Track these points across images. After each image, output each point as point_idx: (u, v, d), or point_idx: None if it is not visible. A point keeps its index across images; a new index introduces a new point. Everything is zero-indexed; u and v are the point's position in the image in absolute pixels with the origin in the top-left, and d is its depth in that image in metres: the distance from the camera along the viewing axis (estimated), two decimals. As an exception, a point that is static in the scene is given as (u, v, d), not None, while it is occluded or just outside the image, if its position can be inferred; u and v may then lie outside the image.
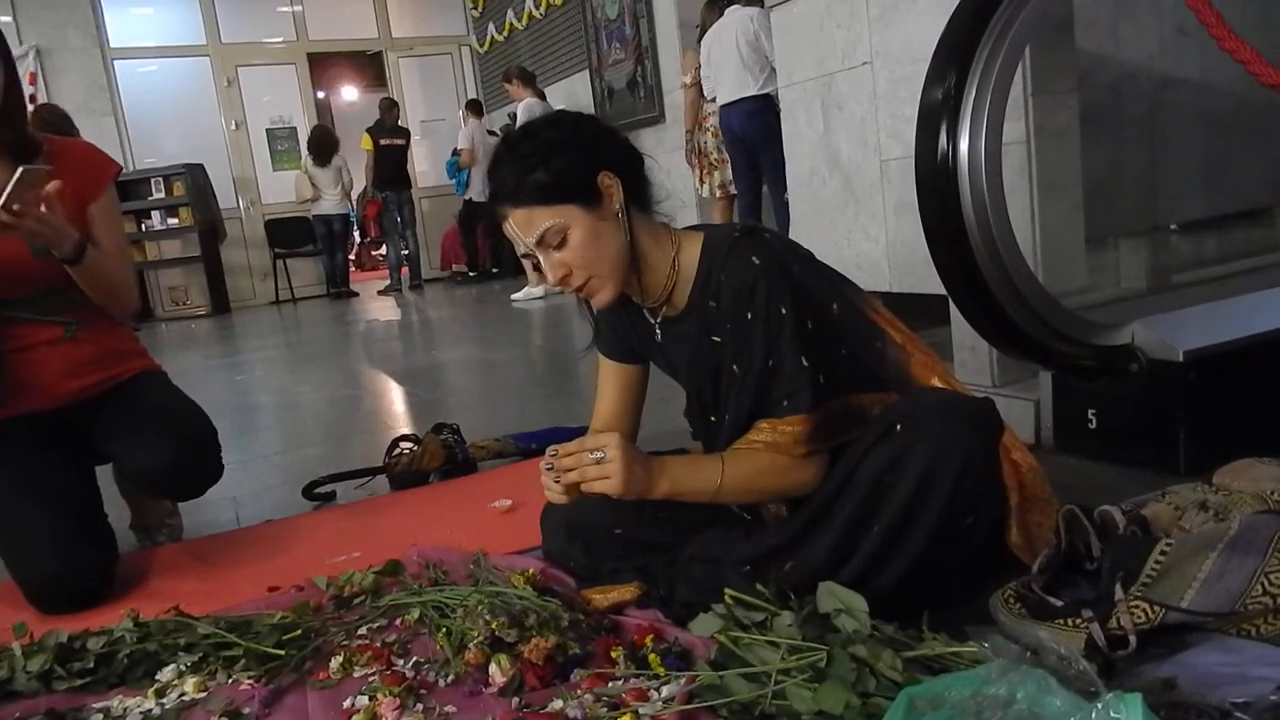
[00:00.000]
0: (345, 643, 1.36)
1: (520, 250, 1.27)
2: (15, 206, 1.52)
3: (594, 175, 1.24)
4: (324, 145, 8.33)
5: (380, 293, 8.60)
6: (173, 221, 8.21)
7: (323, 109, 11.41)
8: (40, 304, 1.75)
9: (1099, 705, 0.72)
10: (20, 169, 1.53)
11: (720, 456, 1.25)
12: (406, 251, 8.61)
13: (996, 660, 0.85)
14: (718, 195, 5.55)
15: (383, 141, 8.21)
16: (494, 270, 8.60)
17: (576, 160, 1.23)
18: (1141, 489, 1.49)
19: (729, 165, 5.42)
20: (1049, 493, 1.31)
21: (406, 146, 8.47)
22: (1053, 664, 0.90)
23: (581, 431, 2.24)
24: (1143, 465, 1.72)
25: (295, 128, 9.40)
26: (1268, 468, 1.32)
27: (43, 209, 1.57)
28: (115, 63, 8.56)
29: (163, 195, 8.12)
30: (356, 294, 8.73)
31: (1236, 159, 2.56)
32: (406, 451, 2.29)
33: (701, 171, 5.63)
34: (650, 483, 1.21)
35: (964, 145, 1.62)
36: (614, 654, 1.19)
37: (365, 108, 9.89)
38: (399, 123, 8.60)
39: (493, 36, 9.37)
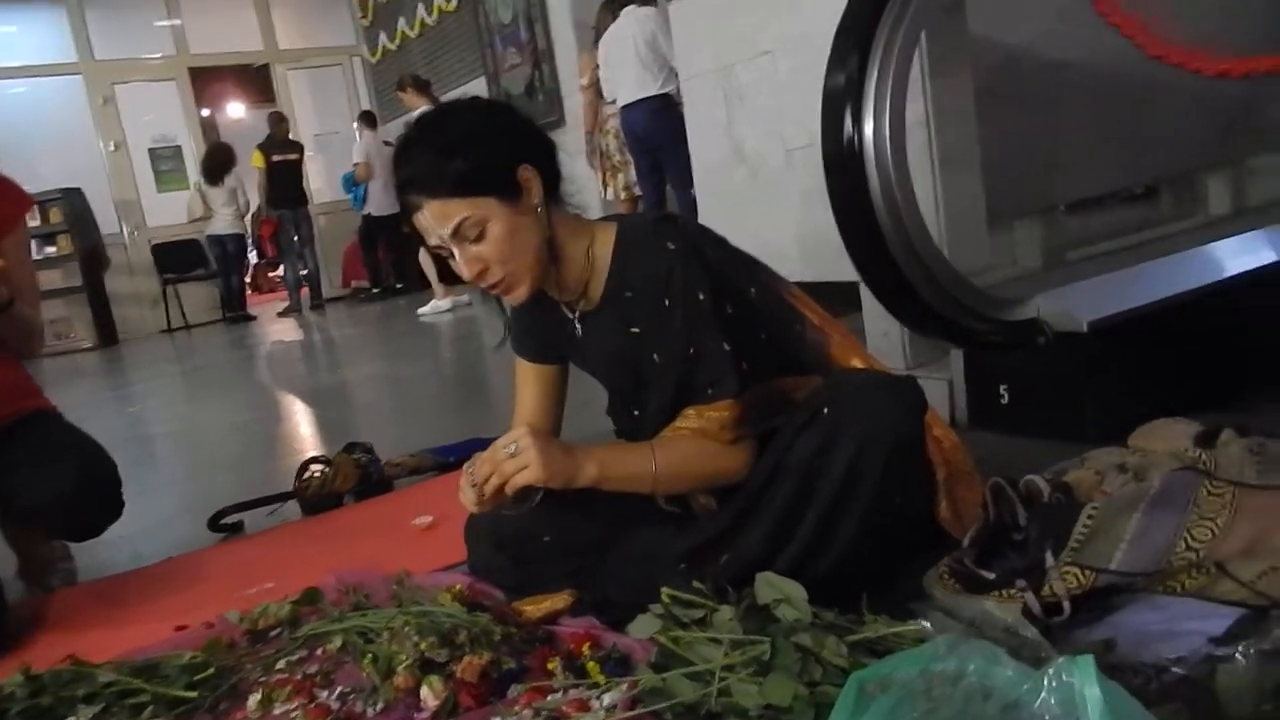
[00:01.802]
0: (263, 679, 1.28)
1: (433, 242, 1.21)
2: None
3: (515, 168, 1.19)
4: (218, 163, 7.99)
5: (280, 314, 8.30)
6: (50, 250, 7.76)
7: (208, 126, 10.98)
8: None
9: (1050, 671, 0.71)
10: None
11: (649, 444, 1.22)
12: (305, 271, 8.34)
13: (942, 636, 0.84)
14: (623, 197, 5.54)
15: (275, 158, 7.92)
16: (398, 286, 8.40)
17: (498, 151, 1.19)
18: (1056, 459, 1.52)
19: (632, 167, 5.41)
20: (971, 467, 1.33)
21: (300, 161, 8.20)
22: (996, 636, 0.90)
23: (501, 440, 2.21)
24: (1055, 436, 1.76)
25: (179, 146, 9.04)
26: (1181, 425, 1.36)
27: None
28: (-22, 85, 8.09)
29: (38, 223, 7.66)
30: (254, 317, 8.40)
31: (1124, 137, 2.66)
32: (317, 474, 2.19)
33: (605, 174, 5.60)
34: (574, 465, 1.17)
35: (869, 128, 1.63)
36: (551, 665, 1.15)
37: (254, 123, 9.56)
38: (290, 136, 8.33)
39: (385, 45, 9.17)
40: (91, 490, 1.69)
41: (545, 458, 1.14)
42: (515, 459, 1.15)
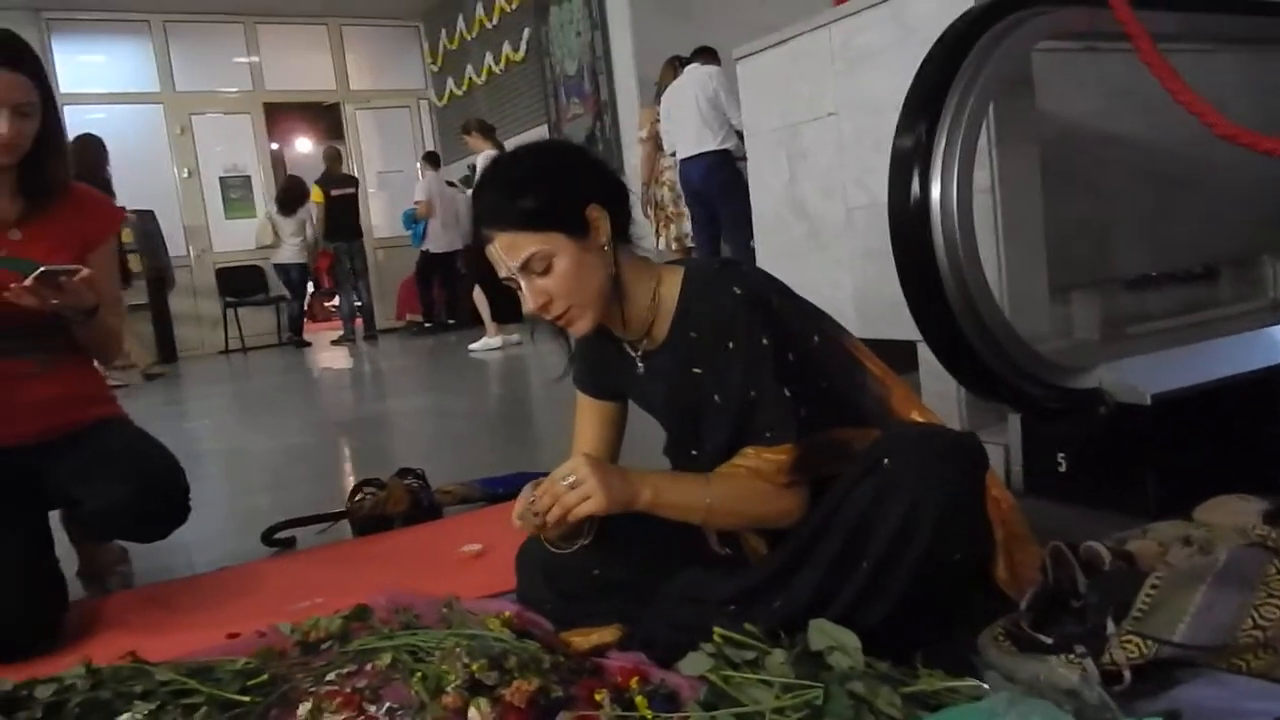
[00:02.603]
0: (313, 689, 1.29)
1: (502, 274, 1.25)
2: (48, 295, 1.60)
3: (582, 207, 1.23)
4: (294, 195, 8.33)
5: (334, 342, 8.49)
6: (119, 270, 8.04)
7: (277, 159, 11.36)
8: (14, 338, 1.71)
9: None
10: (41, 269, 1.58)
11: (705, 475, 1.23)
12: (360, 303, 8.53)
13: (1002, 693, 0.84)
14: (674, 248, 5.62)
15: (333, 192, 8.19)
16: (450, 321, 8.55)
17: (566, 190, 1.23)
18: (1112, 530, 1.49)
19: (684, 218, 5.51)
20: (1028, 530, 1.32)
21: (356, 195, 8.45)
22: (1056, 698, 0.89)
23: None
24: (1112, 507, 1.74)
25: (249, 176, 9.35)
26: (1246, 503, 1.34)
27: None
28: (64, 108, 8.44)
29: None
30: (309, 344, 8.59)
31: (1183, 216, 2.65)
32: (370, 496, 2.23)
33: (659, 224, 5.69)
34: (632, 490, 1.19)
35: (935, 192, 1.65)
36: (598, 696, 1.15)
37: (320, 159, 9.86)
38: (344, 171, 8.60)
39: (451, 91, 9.45)
40: (161, 494, 1.74)
41: (606, 486, 1.16)
42: (576, 490, 1.16)
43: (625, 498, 1.18)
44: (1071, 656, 1.06)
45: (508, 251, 1.22)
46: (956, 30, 1.74)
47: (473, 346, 6.41)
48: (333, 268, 8.69)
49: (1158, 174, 2.55)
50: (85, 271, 1.63)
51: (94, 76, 8.78)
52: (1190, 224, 2.61)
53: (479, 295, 6.30)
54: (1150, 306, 2.69)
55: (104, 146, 5.60)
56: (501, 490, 2.33)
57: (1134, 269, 2.60)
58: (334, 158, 8.50)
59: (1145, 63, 1.74)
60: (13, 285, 1.57)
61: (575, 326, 1.27)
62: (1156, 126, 2.48)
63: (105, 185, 6.49)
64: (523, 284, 1.24)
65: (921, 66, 1.78)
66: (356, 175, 8.86)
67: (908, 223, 1.68)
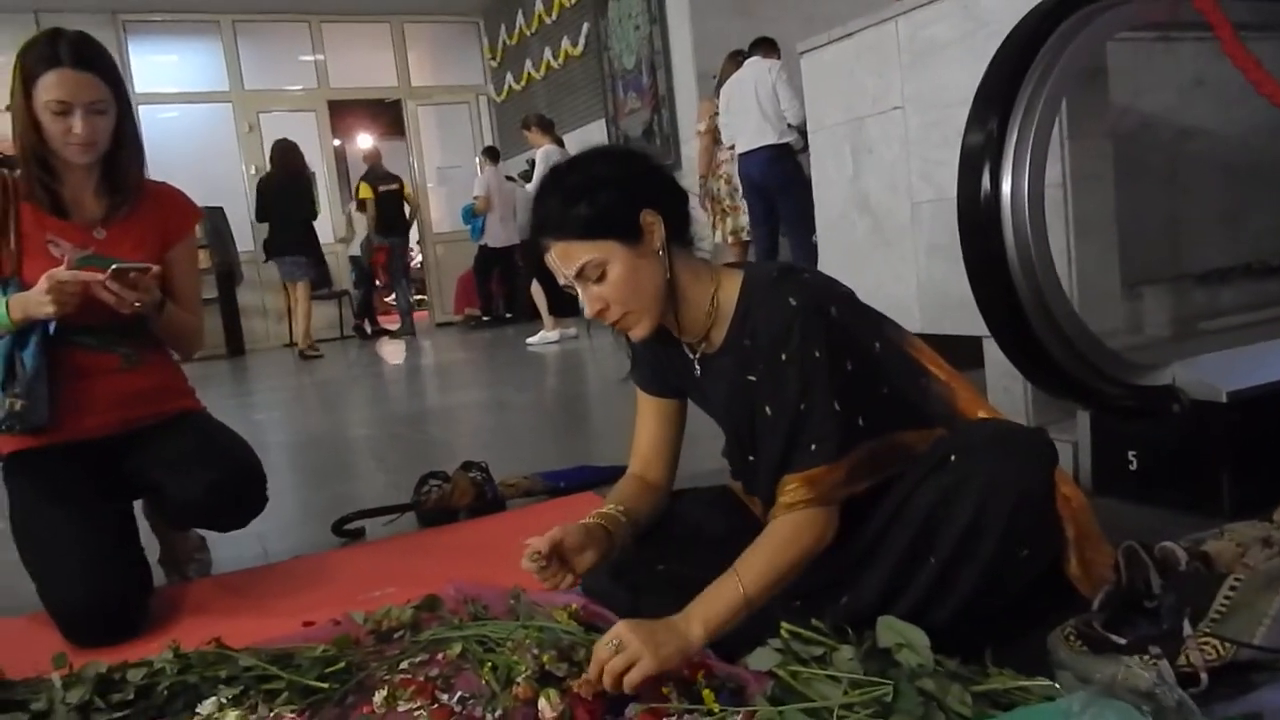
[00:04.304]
0: (387, 677, 1.33)
1: (561, 281, 1.28)
2: (115, 288, 1.65)
3: (637, 212, 1.25)
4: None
5: (392, 336, 8.66)
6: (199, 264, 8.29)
7: (339, 156, 11.59)
8: (103, 333, 1.78)
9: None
10: (113, 267, 1.64)
11: (732, 569, 1.19)
12: (422, 297, 8.72)
13: (1076, 693, 0.83)
14: (730, 241, 5.62)
15: (381, 188, 8.34)
16: (508, 315, 8.65)
17: (621, 197, 1.24)
18: (1185, 530, 1.46)
19: (740, 212, 5.50)
20: (1098, 529, 1.30)
21: (401, 190, 8.60)
22: (1131, 699, 0.88)
23: (612, 470, 2.26)
24: (1185, 507, 1.70)
25: (314, 172, 9.53)
26: (1329, 505, 1.31)
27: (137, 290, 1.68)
28: (139, 108, 8.71)
29: (182, 237, 8.21)
30: (370, 334, 8.82)
31: (1259, 209, 2.57)
32: (435, 488, 2.28)
33: (715, 218, 5.68)
34: (681, 638, 1.14)
35: (1006, 187, 1.63)
36: (665, 690, 1.17)
37: (383, 154, 10.03)
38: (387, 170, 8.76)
39: (510, 86, 9.53)
40: (240, 483, 1.80)
41: (653, 645, 1.11)
42: (623, 655, 1.11)
43: (676, 647, 1.13)
44: (1146, 658, 1.05)
45: (563, 260, 1.24)
46: (1030, 24, 1.71)
47: (530, 340, 6.48)
48: (389, 262, 8.86)
49: (1232, 166, 2.48)
50: (155, 269, 1.70)
51: (167, 76, 9.04)
52: (1266, 217, 2.53)
53: (537, 289, 6.35)
54: (1224, 302, 2.61)
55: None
56: (563, 484, 2.36)
57: (1207, 263, 2.53)
58: (376, 156, 8.70)
59: (1228, 53, 1.70)
60: (95, 280, 1.63)
61: (633, 332, 1.29)
62: (1231, 117, 2.41)
63: (308, 182, 7.27)
64: (579, 290, 1.26)
65: (993, 60, 1.76)
66: (397, 174, 9.04)
67: (978, 218, 1.66)
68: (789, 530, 1.21)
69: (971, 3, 2.15)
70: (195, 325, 1.93)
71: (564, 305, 6.33)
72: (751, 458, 1.34)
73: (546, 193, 1.28)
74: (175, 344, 1.92)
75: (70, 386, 1.75)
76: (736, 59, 5.29)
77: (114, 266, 1.64)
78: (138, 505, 1.93)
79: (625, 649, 1.12)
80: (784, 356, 1.21)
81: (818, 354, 1.20)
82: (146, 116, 8.74)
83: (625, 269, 1.23)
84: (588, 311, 1.27)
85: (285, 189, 7.23)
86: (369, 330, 8.91)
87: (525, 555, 1.28)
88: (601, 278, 1.24)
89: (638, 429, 1.50)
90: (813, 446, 1.20)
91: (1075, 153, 1.97)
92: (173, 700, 1.31)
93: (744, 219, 5.48)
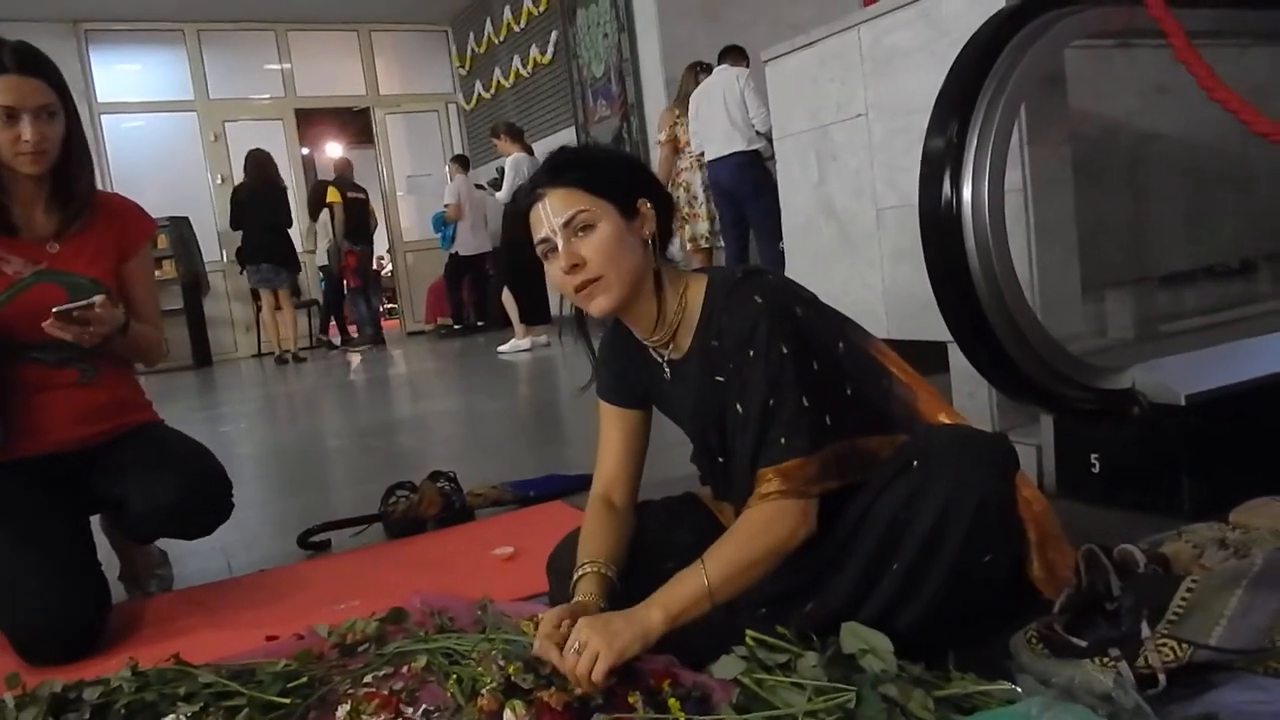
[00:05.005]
0: (351, 691, 1.32)
1: (540, 236, 1.25)
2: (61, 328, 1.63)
3: (636, 196, 1.27)
4: (316, 199, 8.51)
5: (352, 346, 8.62)
6: (155, 274, 8.18)
7: (308, 164, 11.50)
8: (58, 348, 1.74)
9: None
10: (55, 310, 1.62)
11: (699, 560, 1.19)
12: (393, 305, 8.66)
13: (1035, 697, 0.84)
14: (689, 248, 5.67)
15: (349, 195, 8.32)
16: (479, 324, 8.61)
17: (626, 174, 1.29)
18: (1146, 532, 1.48)
19: (700, 219, 5.58)
20: (1060, 531, 1.31)
21: (367, 200, 8.60)
22: (1090, 702, 0.89)
23: (581, 478, 2.25)
24: (1146, 509, 1.72)
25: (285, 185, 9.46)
26: (1284, 506, 1.33)
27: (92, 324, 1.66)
28: (102, 117, 8.60)
29: (146, 248, 8.11)
30: (337, 346, 8.74)
31: (1218, 212, 2.62)
32: (403, 499, 2.26)
33: (675, 225, 5.72)
34: (640, 623, 1.14)
35: (967, 192, 1.65)
36: (631, 699, 1.16)
37: (353, 163, 9.97)
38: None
39: (480, 94, 9.51)
40: (205, 489, 1.78)
41: (611, 637, 1.11)
42: (585, 656, 1.11)
43: (635, 634, 1.13)
44: (1106, 660, 1.06)
45: (556, 207, 1.23)
46: (988, 30, 1.73)
47: (502, 348, 6.45)
48: (359, 268, 8.81)
49: (1194, 169, 2.52)
50: (98, 299, 1.65)
51: (131, 86, 8.93)
52: (1225, 220, 2.58)
53: (508, 297, 6.34)
54: (1185, 304, 2.65)
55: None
56: (533, 493, 2.35)
57: (1170, 266, 2.57)
58: (345, 165, 8.71)
59: (1180, 60, 1.73)
60: (43, 324, 1.61)
61: (597, 301, 1.26)
62: (1190, 123, 2.45)
63: (284, 191, 7.18)
64: (560, 245, 1.23)
65: (953, 67, 1.77)
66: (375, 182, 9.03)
67: (939, 223, 1.68)
68: (760, 519, 1.20)
69: (933, 10, 2.18)
70: (156, 338, 1.91)
71: (535, 313, 6.32)
72: (721, 459, 1.34)
73: (554, 156, 1.29)
74: (136, 356, 1.90)
75: (26, 402, 1.72)
76: (696, 71, 5.35)
77: (55, 309, 1.62)
78: (94, 521, 1.89)
79: (586, 646, 1.12)
80: (751, 354, 1.21)
81: (785, 350, 1.20)
82: (110, 126, 8.66)
83: (613, 232, 1.23)
84: (561, 264, 1.23)
85: (262, 197, 7.18)
86: (338, 341, 8.84)
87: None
88: (587, 232, 1.23)
89: (602, 442, 1.48)
90: (784, 440, 1.20)
91: (1035, 158, 1.99)
92: (130, 719, 1.29)
93: (703, 225, 5.58)
